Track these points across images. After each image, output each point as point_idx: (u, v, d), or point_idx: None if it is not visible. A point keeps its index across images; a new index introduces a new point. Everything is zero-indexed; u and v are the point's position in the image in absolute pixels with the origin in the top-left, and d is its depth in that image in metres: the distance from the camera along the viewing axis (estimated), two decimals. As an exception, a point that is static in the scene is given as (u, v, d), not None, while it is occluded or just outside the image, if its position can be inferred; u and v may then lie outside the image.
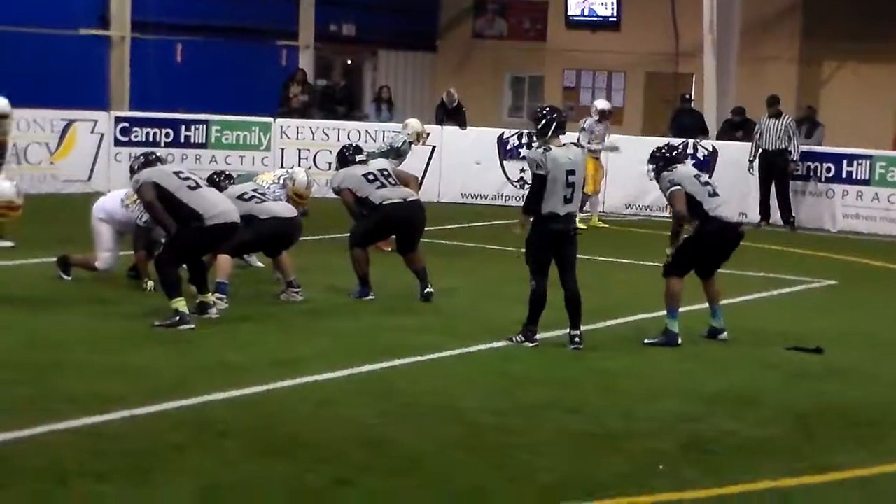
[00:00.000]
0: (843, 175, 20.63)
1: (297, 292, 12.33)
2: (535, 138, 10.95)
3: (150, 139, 22.01)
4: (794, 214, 20.65)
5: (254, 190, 12.51)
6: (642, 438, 8.35)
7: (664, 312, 11.15)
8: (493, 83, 31.17)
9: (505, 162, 22.39)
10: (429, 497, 7.07)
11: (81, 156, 21.64)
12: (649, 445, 8.19)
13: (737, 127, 23.01)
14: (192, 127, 22.32)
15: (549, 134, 10.54)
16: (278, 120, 23.14)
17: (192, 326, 10.77)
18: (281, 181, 13.42)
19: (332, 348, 10.50)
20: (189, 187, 11.09)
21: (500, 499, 7.06)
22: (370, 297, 12.48)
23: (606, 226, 20.08)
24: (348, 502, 6.98)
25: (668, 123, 24.65)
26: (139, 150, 21.59)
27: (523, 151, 20.96)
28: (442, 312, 12.06)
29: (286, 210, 12.47)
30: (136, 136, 22.13)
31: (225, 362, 9.92)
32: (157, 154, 11.81)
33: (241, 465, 7.44)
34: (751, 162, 20.90)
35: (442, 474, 7.45)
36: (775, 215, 20.71)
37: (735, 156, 21.22)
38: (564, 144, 10.72)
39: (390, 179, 12.90)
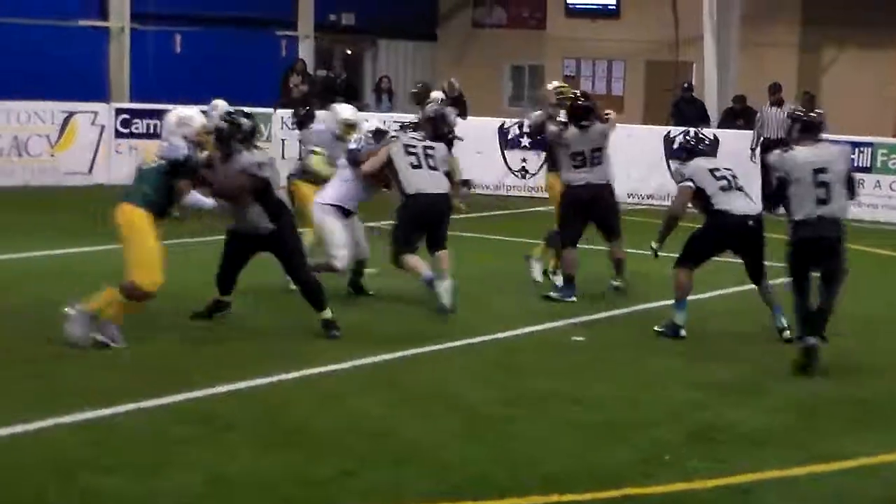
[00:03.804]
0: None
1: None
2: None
3: (151, 130, 21.99)
4: (795, 203, 20.59)
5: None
6: (648, 428, 8.36)
7: (670, 302, 11.14)
8: (493, 72, 31.13)
9: (506, 151, 22.36)
10: (433, 487, 7.08)
11: (82, 148, 21.64)
12: (655, 435, 8.20)
13: (737, 115, 22.99)
14: (193, 118, 22.26)
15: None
16: (278, 110, 23.11)
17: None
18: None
19: (335, 340, 10.49)
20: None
21: (504, 489, 7.06)
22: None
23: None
24: (353, 493, 6.99)
25: (668, 112, 24.63)
26: (139, 142, 22.19)
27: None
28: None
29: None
30: (136, 128, 22.13)
31: (230, 354, 9.92)
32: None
33: (247, 457, 7.45)
34: (753, 150, 20.89)
35: (446, 465, 7.45)
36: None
37: (736, 144, 21.19)
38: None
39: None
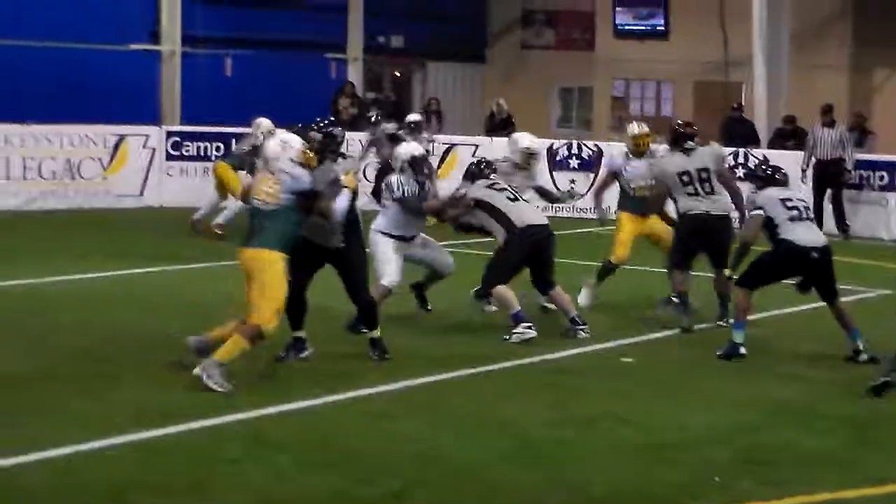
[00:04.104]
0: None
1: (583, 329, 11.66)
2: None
3: (202, 153, 22.14)
4: (848, 223, 20.49)
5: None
6: (697, 449, 8.31)
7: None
8: (542, 94, 31.13)
9: (554, 173, 22.33)
10: (483, 510, 7.06)
11: (134, 171, 21.79)
12: (705, 456, 8.15)
13: (788, 136, 22.87)
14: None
15: None
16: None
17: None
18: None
19: (384, 361, 10.49)
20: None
21: (555, 511, 7.04)
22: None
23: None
24: (403, 515, 6.99)
25: (718, 132, 24.52)
26: (191, 165, 22.30)
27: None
28: (493, 325, 12.03)
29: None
30: (187, 151, 22.26)
31: (278, 376, 9.95)
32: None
33: (296, 478, 7.46)
34: (804, 171, 20.77)
35: (496, 487, 7.44)
36: (829, 224, 20.55)
37: (786, 165, 21.01)
38: None
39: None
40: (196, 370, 9.21)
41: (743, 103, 25.26)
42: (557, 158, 22.42)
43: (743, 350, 10.92)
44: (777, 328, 12.42)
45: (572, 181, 19.84)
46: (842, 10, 27.31)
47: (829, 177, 20.58)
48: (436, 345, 11.26)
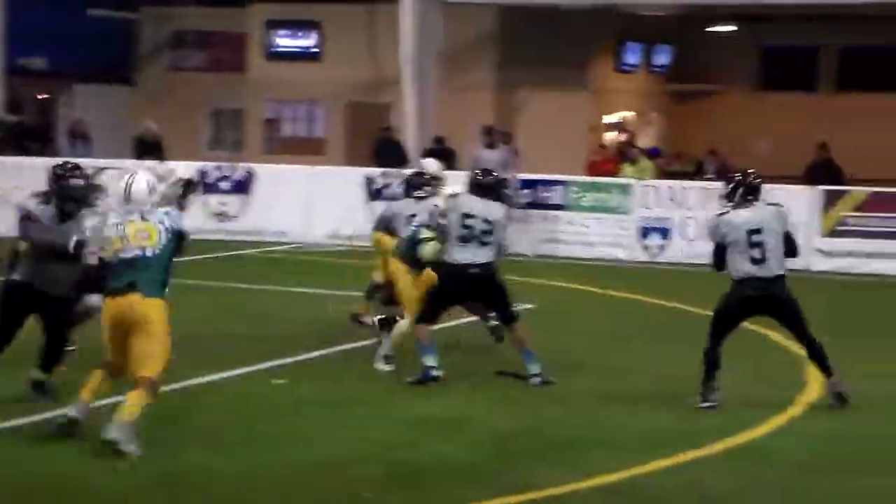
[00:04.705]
0: (539, 200, 21.02)
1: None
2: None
3: None
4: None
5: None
6: (351, 467, 8.27)
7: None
8: (193, 116, 30.74)
9: (206, 195, 22.01)
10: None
11: None
12: (355, 474, 8.12)
13: (438, 156, 23.22)
14: None
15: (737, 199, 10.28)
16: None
17: None
18: None
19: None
20: None
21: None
22: None
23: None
24: None
25: (370, 153, 24.76)
26: None
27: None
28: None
29: None
30: None
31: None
32: None
33: None
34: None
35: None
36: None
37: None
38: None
39: None
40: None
41: (392, 124, 25.59)
42: (208, 181, 22.10)
43: (436, 372, 10.82)
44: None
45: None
46: (489, 31, 28.08)
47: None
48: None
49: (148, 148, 23.54)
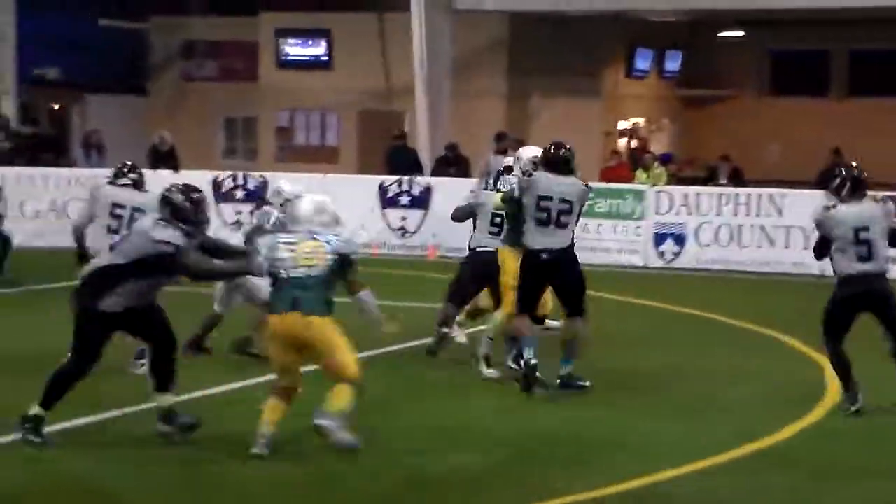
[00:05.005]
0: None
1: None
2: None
3: None
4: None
5: None
6: (366, 475, 8.31)
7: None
8: (206, 125, 30.84)
9: (221, 205, 22.06)
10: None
11: None
12: (374, 482, 8.16)
13: (451, 163, 23.29)
14: None
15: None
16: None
17: None
18: None
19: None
20: None
21: None
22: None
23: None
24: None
25: (383, 161, 24.81)
26: None
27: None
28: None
29: None
30: None
31: None
32: None
33: None
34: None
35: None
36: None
37: (451, 192, 21.43)
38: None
39: None
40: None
41: (405, 131, 25.63)
42: (223, 190, 22.14)
43: (534, 361, 10.60)
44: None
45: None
46: (499, 38, 28.14)
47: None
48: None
49: (162, 157, 23.60)
